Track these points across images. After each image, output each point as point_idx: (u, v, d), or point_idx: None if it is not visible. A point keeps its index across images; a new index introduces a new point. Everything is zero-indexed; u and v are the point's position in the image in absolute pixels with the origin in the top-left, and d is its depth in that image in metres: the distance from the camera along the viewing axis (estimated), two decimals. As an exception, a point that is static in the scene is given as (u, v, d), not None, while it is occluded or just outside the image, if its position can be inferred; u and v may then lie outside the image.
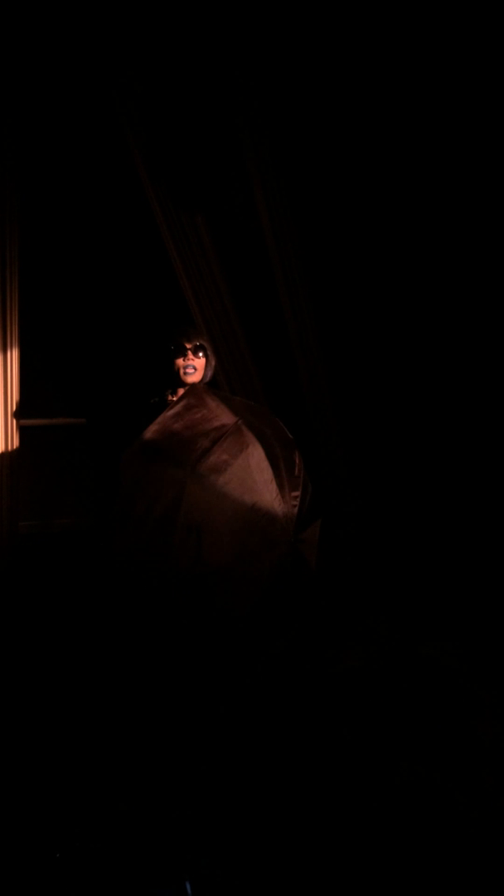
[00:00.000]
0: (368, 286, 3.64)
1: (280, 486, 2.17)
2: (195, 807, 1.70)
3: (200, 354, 2.50)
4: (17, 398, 3.30)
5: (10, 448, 3.27)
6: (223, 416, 2.26)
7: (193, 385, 2.46)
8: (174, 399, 2.47)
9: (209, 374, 2.57)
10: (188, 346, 2.49)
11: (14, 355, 3.26)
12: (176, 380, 2.50)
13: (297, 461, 2.32)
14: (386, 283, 3.60)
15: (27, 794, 1.83)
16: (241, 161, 3.37)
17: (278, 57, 3.27)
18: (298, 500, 2.22)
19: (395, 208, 3.50)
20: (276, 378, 3.66)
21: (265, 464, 2.17)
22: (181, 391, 2.49)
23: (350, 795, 1.43)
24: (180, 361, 2.48)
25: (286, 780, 1.56)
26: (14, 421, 3.28)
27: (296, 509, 2.20)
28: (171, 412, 2.28)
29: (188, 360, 2.48)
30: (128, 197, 3.49)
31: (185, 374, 2.47)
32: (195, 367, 2.49)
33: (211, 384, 2.63)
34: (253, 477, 2.13)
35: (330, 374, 3.65)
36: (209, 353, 2.55)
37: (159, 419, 2.26)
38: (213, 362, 2.59)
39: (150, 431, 2.22)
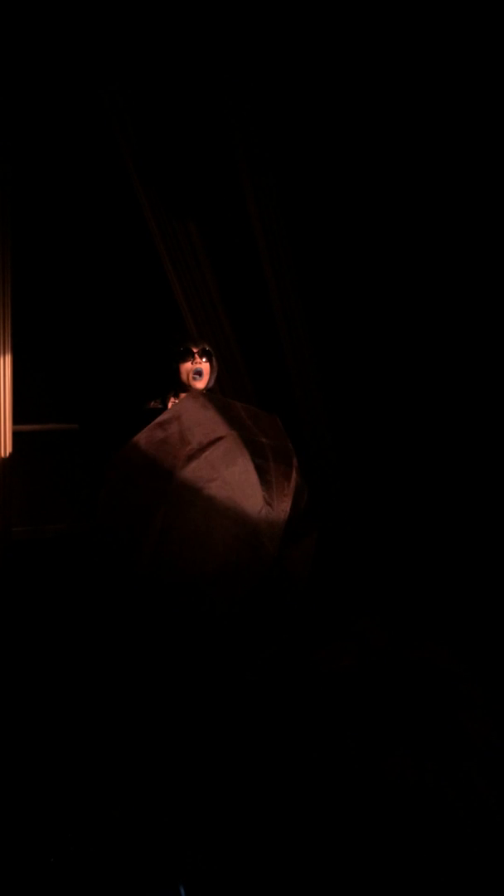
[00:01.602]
0: (360, 291, 3.66)
1: (269, 501, 2.14)
2: (189, 810, 1.70)
3: (205, 359, 2.50)
4: (10, 403, 3.30)
5: (2, 453, 3.27)
6: (216, 427, 2.21)
7: (190, 392, 2.43)
8: (176, 402, 2.47)
9: (213, 379, 2.57)
10: (195, 350, 2.47)
11: (7, 361, 3.26)
12: (181, 385, 2.49)
13: (294, 474, 2.28)
14: (378, 288, 3.63)
15: (21, 800, 1.82)
16: (233, 167, 3.39)
17: (270, 63, 3.29)
18: (287, 514, 2.19)
19: (388, 215, 3.53)
20: (267, 382, 3.68)
21: (254, 478, 2.13)
22: (184, 396, 2.49)
23: (343, 796, 1.44)
24: (188, 366, 2.46)
25: (280, 783, 1.57)
26: (6, 426, 3.27)
27: (283, 524, 2.17)
28: (157, 421, 2.23)
29: (196, 363, 2.46)
30: (120, 203, 3.50)
31: (193, 378, 2.46)
32: (202, 372, 2.48)
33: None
34: (240, 490, 2.10)
35: (322, 378, 3.67)
36: (213, 358, 2.55)
37: (150, 426, 2.22)
38: (216, 368, 2.58)
39: (139, 437, 2.19)
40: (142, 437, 2.18)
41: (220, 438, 2.16)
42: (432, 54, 3.16)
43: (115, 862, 1.61)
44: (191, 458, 2.11)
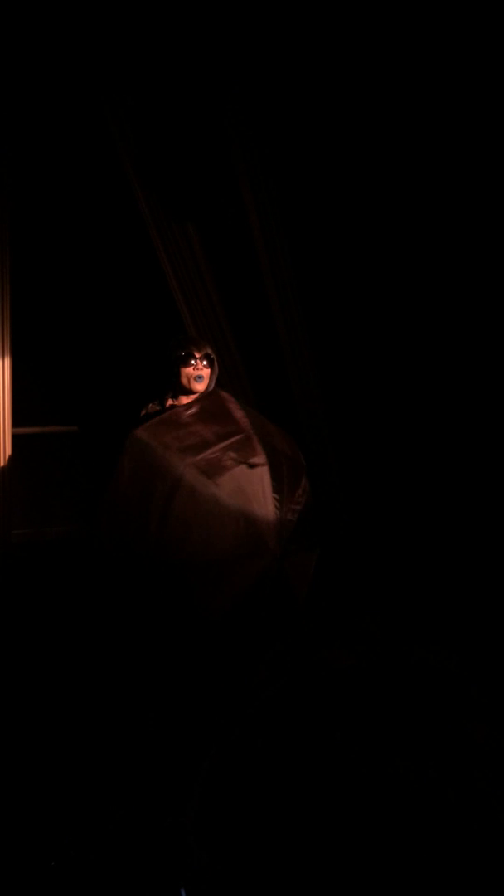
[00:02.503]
0: (358, 292, 3.67)
1: (278, 500, 2.15)
2: (189, 813, 1.70)
3: (206, 363, 2.50)
4: (10, 406, 3.30)
5: (2, 456, 3.27)
6: (238, 422, 2.26)
7: (217, 389, 2.48)
8: (175, 404, 2.48)
9: (213, 382, 2.58)
10: (198, 354, 2.48)
11: (6, 364, 3.26)
12: (182, 388, 2.50)
13: (305, 487, 2.30)
14: (376, 289, 3.63)
15: (21, 804, 1.82)
16: (231, 170, 3.40)
17: (268, 67, 3.30)
18: (294, 520, 2.19)
19: (385, 216, 3.54)
20: (266, 384, 3.68)
21: (267, 476, 2.14)
22: (183, 398, 2.50)
23: (344, 796, 1.44)
24: (189, 370, 2.47)
25: (280, 782, 1.57)
26: (6, 429, 3.27)
27: (289, 528, 2.17)
28: (187, 407, 2.30)
29: (198, 368, 2.47)
30: (119, 206, 3.51)
31: (194, 382, 2.47)
32: (203, 376, 2.49)
33: None
34: (251, 485, 2.11)
35: (321, 378, 3.67)
36: (215, 362, 2.56)
37: (175, 410, 2.28)
38: (216, 372, 2.59)
39: (163, 418, 2.24)
40: (164, 419, 2.24)
41: (239, 433, 2.20)
42: (430, 58, 3.17)
43: (116, 865, 1.60)
44: (208, 446, 2.14)
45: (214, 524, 2.06)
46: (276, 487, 2.15)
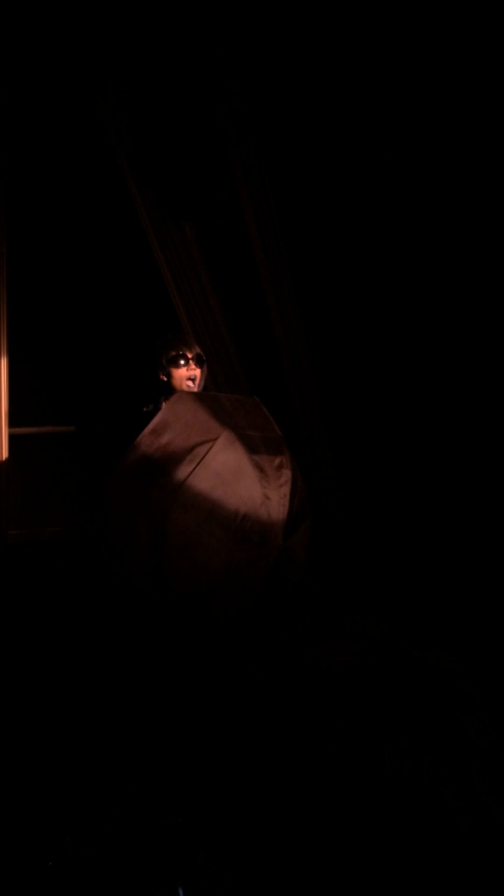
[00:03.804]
0: (356, 291, 3.68)
1: (267, 494, 2.13)
2: (188, 812, 1.70)
3: (198, 363, 2.48)
4: (6, 406, 3.29)
5: (-1, 456, 3.27)
6: (209, 428, 2.18)
7: (177, 393, 2.39)
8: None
9: (203, 381, 2.56)
10: (190, 355, 2.45)
11: (3, 364, 3.26)
12: (174, 389, 2.48)
13: (288, 461, 2.26)
14: (374, 289, 3.64)
15: (19, 803, 1.82)
16: (228, 169, 3.41)
17: (266, 66, 3.31)
18: (287, 504, 2.19)
19: (383, 217, 3.55)
20: (265, 385, 3.68)
21: (252, 475, 2.12)
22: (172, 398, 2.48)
23: (340, 794, 1.45)
24: (183, 372, 2.43)
25: (278, 782, 1.57)
26: (3, 429, 3.27)
27: (285, 514, 2.18)
28: (150, 428, 2.18)
29: (191, 370, 2.44)
30: (116, 206, 3.51)
31: (188, 385, 2.44)
32: (196, 378, 2.46)
33: None
34: (239, 489, 2.09)
35: (319, 378, 3.68)
36: (204, 360, 2.54)
37: (144, 433, 2.17)
38: (206, 370, 2.57)
39: (132, 453, 2.15)
40: (138, 447, 2.16)
41: (214, 440, 2.14)
42: (429, 57, 3.18)
43: (114, 864, 1.60)
44: (188, 463, 2.09)
45: (215, 543, 2.03)
46: (263, 481, 2.13)
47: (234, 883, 1.50)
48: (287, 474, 2.21)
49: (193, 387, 2.46)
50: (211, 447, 2.11)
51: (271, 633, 2.11)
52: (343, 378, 3.75)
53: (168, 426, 2.18)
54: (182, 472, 2.07)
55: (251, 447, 2.18)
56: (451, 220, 3.36)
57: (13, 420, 3.39)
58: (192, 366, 2.45)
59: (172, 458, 2.11)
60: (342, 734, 1.50)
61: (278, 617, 2.12)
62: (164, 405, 2.50)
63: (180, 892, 1.53)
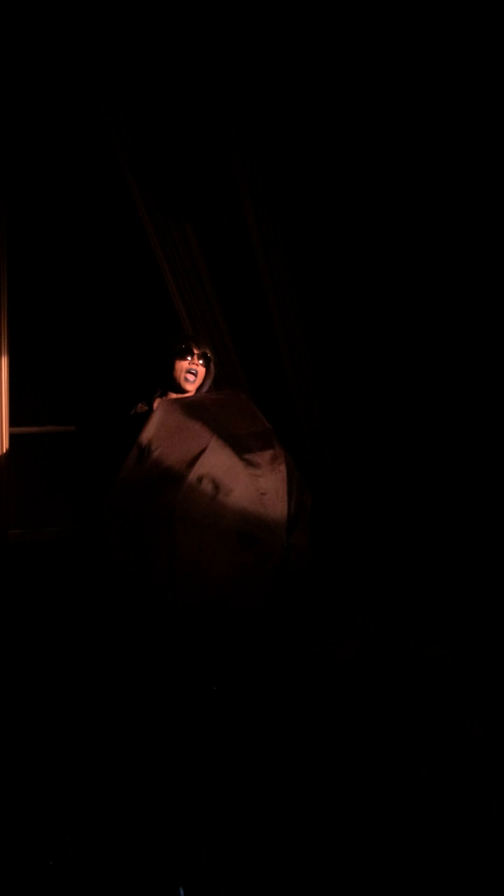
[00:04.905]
0: (356, 291, 3.67)
1: (264, 493, 2.12)
2: (189, 811, 1.70)
3: (202, 362, 2.48)
4: (6, 406, 3.29)
5: (0, 455, 3.27)
6: (196, 437, 2.17)
7: (162, 403, 2.36)
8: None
9: (206, 384, 2.55)
10: (196, 350, 2.45)
11: (4, 363, 3.26)
12: (173, 384, 2.47)
13: (280, 454, 2.26)
14: (374, 288, 3.64)
15: (19, 803, 1.81)
16: (229, 169, 3.41)
17: (266, 65, 3.31)
18: (286, 499, 2.18)
19: (383, 215, 3.54)
20: (265, 384, 3.69)
21: (246, 477, 2.12)
22: (172, 395, 2.48)
23: (341, 794, 1.44)
24: (184, 364, 2.43)
25: (278, 781, 1.57)
26: (4, 428, 3.27)
27: (285, 510, 2.16)
28: (140, 444, 2.17)
29: (192, 363, 2.44)
30: (116, 205, 3.51)
31: (186, 379, 2.43)
32: (195, 373, 2.46)
33: None
34: (237, 494, 2.09)
35: (319, 379, 3.68)
36: (211, 364, 2.53)
37: (129, 456, 2.16)
38: (212, 375, 2.56)
39: (126, 472, 2.15)
40: (129, 464, 2.15)
41: (203, 450, 2.12)
42: (429, 57, 3.18)
43: (115, 864, 1.60)
44: (181, 476, 2.08)
45: (221, 554, 2.02)
46: (259, 480, 2.14)
47: (235, 883, 1.49)
48: (282, 467, 2.21)
49: (192, 380, 2.46)
50: (201, 456, 2.10)
51: (273, 630, 2.11)
52: (343, 377, 3.75)
53: (157, 440, 2.17)
54: (177, 485, 2.06)
55: (241, 447, 2.17)
56: (452, 217, 3.36)
57: (14, 419, 3.39)
58: (195, 360, 2.45)
59: (166, 473, 2.10)
60: (343, 731, 1.49)
61: (280, 614, 2.12)
62: (154, 409, 2.49)
63: (180, 892, 1.52)
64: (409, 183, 3.44)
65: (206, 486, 2.07)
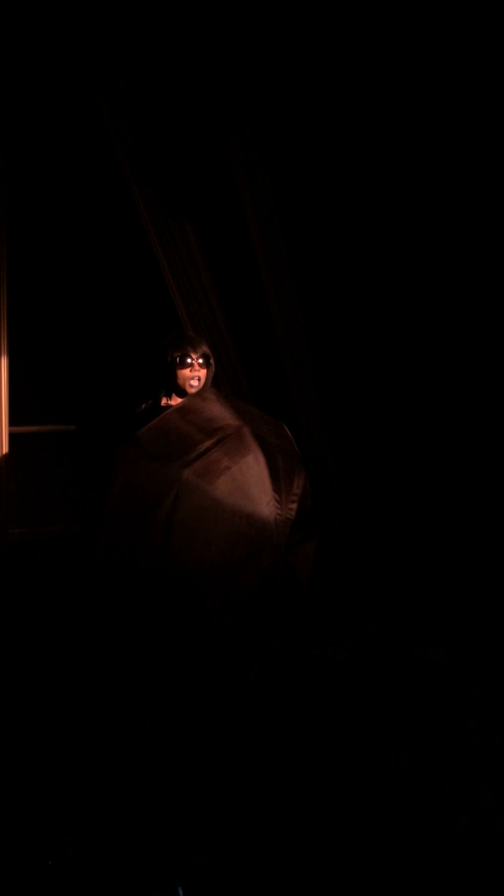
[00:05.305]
0: (356, 289, 3.67)
1: (277, 497, 2.14)
2: (188, 811, 1.70)
3: (203, 364, 2.47)
4: (6, 405, 3.29)
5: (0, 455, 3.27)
6: (228, 419, 2.21)
7: (203, 389, 2.40)
8: (170, 403, 2.46)
9: (209, 382, 2.55)
10: (195, 356, 2.43)
11: (4, 363, 3.26)
12: (177, 389, 2.47)
13: (302, 476, 2.28)
14: (374, 286, 3.63)
15: (19, 803, 1.82)
16: (229, 167, 3.40)
17: (265, 62, 3.30)
18: (294, 512, 2.19)
19: (383, 213, 3.54)
20: (264, 384, 3.68)
21: (265, 472, 2.12)
22: (178, 398, 2.47)
23: (340, 795, 1.45)
24: (186, 373, 2.41)
25: (278, 781, 1.57)
26: (4, 428, 3.27)
27: (291, 521, 2.17)
28: (174, 410, 2.23)
29: (194, 371, 2.43)
30: (116, 204, 3.51)
31: (190, 386, 2.43)
32: (200, 379, 2.45)
33: None
34: (249, 483, 2.10)
35: (319, 376, 3.67)
36: (211, 360, 2.53)
37: (161, 416, 2.20)
38: (213, 370, 2.55)
39: (150, 427, 2.17)
40: (152, 427, 2.17)
41: (231, 432, 2.15)
42: (429, 55, 3.17)
43: (114, 863, 1.60)
44: (202, 449, 2.10)
45: (218, 528, 2.04)
46: (275, 485, 2.14)
47: (234, 883, 1.50)
48: (299, 487, 2.23)
49: (196, 387, 2.45)
50: (226, 437, 2.13)
51: (272, 630, 2.12)
52: (344, 376, 3.74)
53: (186, 412, 2.21)
54: (193, 456, 2.08)
55: (267, 449, 2.18)
56: (452, 215, 3.35)
57: (14, 419, 3.39)
58: (197, 368, 2.44)
59: (185, 442, 2.12)
60: (341, 731, 1.49)
61: (278, 615, 2.12)
62: (164, 401, 2.50)
63: (180, 892, 1.53)
64: (408, 183, 3.44)
65: (222, 464, 2.08)
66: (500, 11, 2.90)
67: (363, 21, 3.21)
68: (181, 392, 2.47)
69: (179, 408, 2.23)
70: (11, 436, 3.36)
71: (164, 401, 2.50)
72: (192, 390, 2.43)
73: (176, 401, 2.47)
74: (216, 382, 3.51)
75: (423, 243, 3.49)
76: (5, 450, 3.29)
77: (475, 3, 2.98)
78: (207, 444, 2.12)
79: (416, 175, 3.41)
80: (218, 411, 2.24)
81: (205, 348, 2.49)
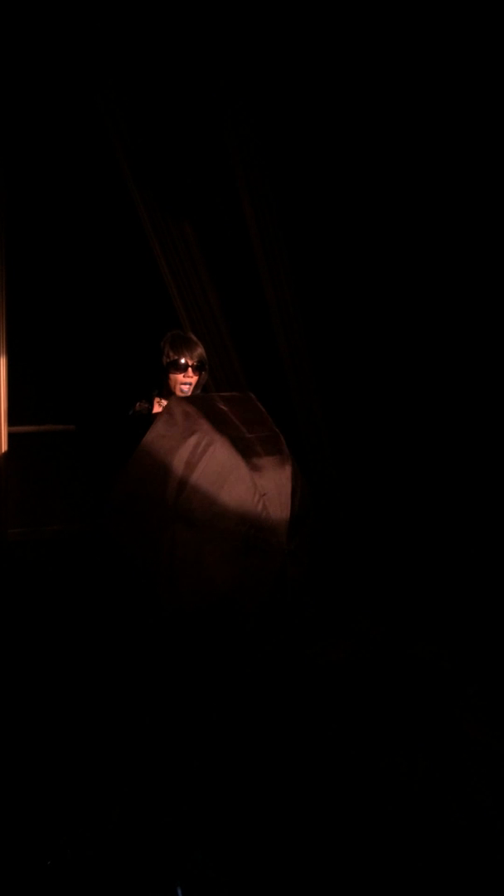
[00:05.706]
0: (356, 290, 3.67)
1: (268, 500, 2.10)
2: (189, 812, 1.70)
3: (196, 370, 2.47)
4: (6, 405, 3.30)
5: (-2, 455, 3.27)
6: (201, 436, 2.15)
7: (171, 400, 2.35)
8: (159, 407, 2.46)
9: (200, 386, 2.55)
10: (190, 362, 2.44)
11: (3, 363, 3.26)
12: (169, 390, 2.47)
13: (287, 461, 2.25)
14: (374, 287, 3.63)
15: (19, 803, 1.82)
16: (228, 168, 3.40)
17: (264, 63, 3.30)
18: (289, 507, 2.17)
19: (382, 214, 3.54)
20: (264, 383, 3.68)
21: (250, 481, 2.10)
22: (163, 402, 2.48)
23: (338, 795, 1.45)
24: (179, 377, 2.43)
25: (276, 781, 1.57)
26: (3, 427, 3.27)
27: (287, 518, 2.15)
28: (146, 440, 2.17)
29: (187, 376, 2.44)
30: (116, 205, 3.51)
31: (181, 390, 2.44)
32: (191, 383, 2.46)
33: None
34: (238, 497, 2.08)
35: (318, 377, 3.67)
36: (206, 367, 2.53)
37: (136, 452, 2.16)
38: (206, 377, 2.56)
39: (131, 468, 2.15)
40: (136, 460, 2.15)
41: (207, 450, 2.12)
42: (429, 55, 3.17)
43: (113, 864, 1.60)
44: (184, 476, 2.08)
45: (219, 557, 2.02)
46: (264, 485, 2.14)
47: (233, 883, 1.50)
48: (288, 475, 2.20)
49: (187, 392, 2.45)
50: (205, 456, 2.11)
51: (271, 630, 2.12)
52: (343, 376, 3.74)
53: (163, 437, 2.17)
54: (180, 484, 2.07)
55: (248, 451, 2.17)
56: (451, 214, 3.35)
57: (13, 418, 3.39)
58: (190, 373, 2.44)
59: (168, 472, 2.10)
60: (340, 731, 1.50)
61: (278, 615, 2.13)
62: (157, 401, 2.50)
63: (179, 892, 1.53)
64: (408, 183, 3.43)
65: (209, 487, 2.07)
66: (500, 11, 2.90)
67: (363, 21, 3.21)
68: (171, 394, 2.47)
69: (149, 440, 2.17)
70: (11, 436, 3.36)
71: (157, 401, 2.51)
72: (182, 394, 2.44)
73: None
74: (216, 382, 3.53)
75: (422, 244, 3.49)
76: (4, 449, 3.30)
77: (475, 2, 2.98)
78: (190, 468, 2.11)
79: (416, 175, 3.41)
80: (189, 428, 2.18)
81: (201, 353, 2.49)
